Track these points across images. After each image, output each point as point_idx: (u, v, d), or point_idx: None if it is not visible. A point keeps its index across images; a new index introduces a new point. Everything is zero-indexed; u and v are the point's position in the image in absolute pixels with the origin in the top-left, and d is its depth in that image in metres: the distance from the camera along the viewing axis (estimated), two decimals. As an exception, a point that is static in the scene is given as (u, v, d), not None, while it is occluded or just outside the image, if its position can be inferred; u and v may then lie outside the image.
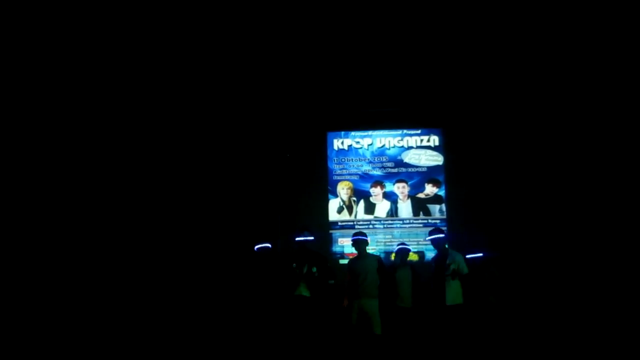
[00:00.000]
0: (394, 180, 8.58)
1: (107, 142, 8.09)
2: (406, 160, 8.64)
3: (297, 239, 6.40)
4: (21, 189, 7.40)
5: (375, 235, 8.38)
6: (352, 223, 8.52)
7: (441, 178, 8.53)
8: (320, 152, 8.74)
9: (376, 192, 8.57)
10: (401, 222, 8.48)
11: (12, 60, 7.31)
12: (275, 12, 7.61)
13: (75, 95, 7.90)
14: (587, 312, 7.07)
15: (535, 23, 7.61)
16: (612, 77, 7.73)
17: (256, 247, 6.67)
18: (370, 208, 8.56)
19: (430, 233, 6.32)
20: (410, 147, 8.66)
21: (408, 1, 7.32)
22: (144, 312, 7.24)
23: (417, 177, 8.57)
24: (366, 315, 5.88)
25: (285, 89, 8.64)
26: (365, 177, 8.65)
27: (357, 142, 8.74)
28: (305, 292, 6.20)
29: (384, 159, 8.66)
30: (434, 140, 8.65)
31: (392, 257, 7.69)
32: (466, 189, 8.35)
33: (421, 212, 8.47)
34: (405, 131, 8.71)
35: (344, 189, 8.63)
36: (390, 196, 8.56)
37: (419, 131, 8.70)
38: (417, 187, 8.55)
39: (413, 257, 7.79)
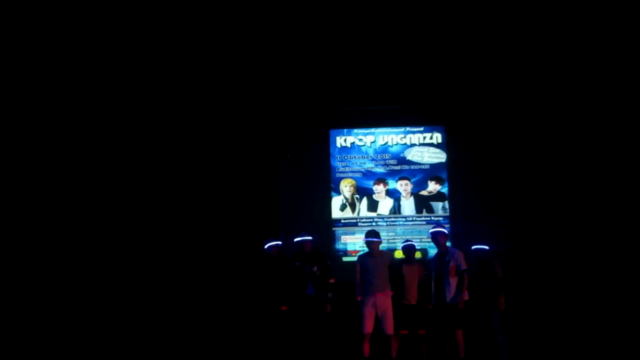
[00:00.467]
0: (396, 178, 8.56)
1: (107, 142, 8.05)
2: (409, 157, 8.62)
3: (295, 240, 6.71)
4: (21, 189, 7.37)
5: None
6: (354, 220, 8.51)
7: (444, 175, 8.51)
8: (323, 149, 8.69)
9: (379, 190, 8.55)
10: (404, 219, 8.47)
11: (12, 60, 7.27)
12: (278, 9, 7.60)
13: (74, 95, 7.86)
14: (587, 312, 7.11)
15: (538, 21, 7.63)
16: (614, 75, 7.77)
17: (266, 245, 6.73)
18: (373, 205, 8.55)
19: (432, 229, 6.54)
20: (413, 145, 8.65)
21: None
22: (145, 312, 7.24)
23: (420, 175, 8.55)
24: (380, 311, 6.04)
25: (288, 87, 8.62)
26: (368, 174, 8.63)
27: (360, 140, 8.71)
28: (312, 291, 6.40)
29: (387, 157, 8.65)
30: (437, 137, 8.63)
31: (396, 254, 7.68)
32: (469, 186, 8.34)
33: (424, 210, 8.47)
34: (408, 128, 8.68)
35: (346, 187, 8.61)
36: (393, 194, 8.55)
37: (421, 128, 8.67)
38: (420, 185, 8.53)
39: (417, 254, 7.78)
